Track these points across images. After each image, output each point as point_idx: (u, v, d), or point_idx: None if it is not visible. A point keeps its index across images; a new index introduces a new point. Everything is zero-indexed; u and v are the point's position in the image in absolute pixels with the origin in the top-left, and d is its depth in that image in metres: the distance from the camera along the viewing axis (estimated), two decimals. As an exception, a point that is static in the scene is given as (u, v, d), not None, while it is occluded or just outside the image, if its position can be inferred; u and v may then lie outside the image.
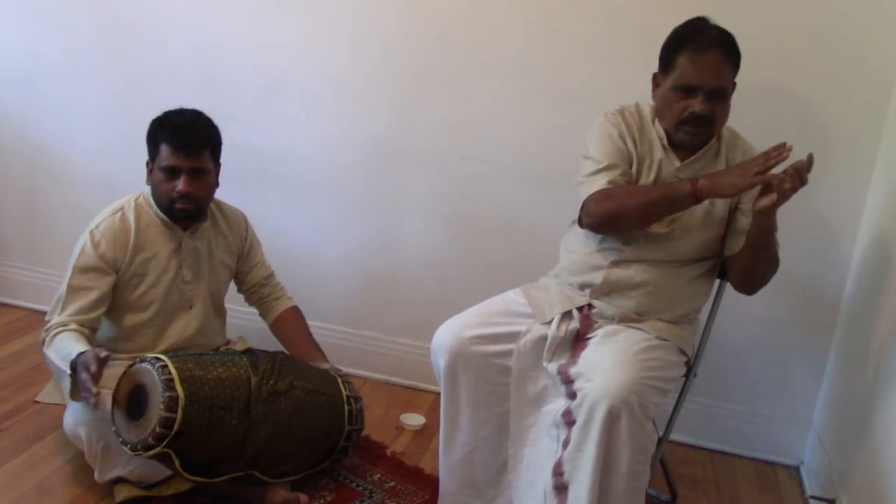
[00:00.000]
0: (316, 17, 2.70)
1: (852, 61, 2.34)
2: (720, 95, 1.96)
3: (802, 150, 2.52)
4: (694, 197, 1.89)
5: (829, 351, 2.55)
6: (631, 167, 2.05)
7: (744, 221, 2.01)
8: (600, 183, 2.00)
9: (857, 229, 2.44)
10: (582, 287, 2.09)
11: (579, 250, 2.12)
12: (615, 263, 2.04)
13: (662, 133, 2.05)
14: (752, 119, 2.34)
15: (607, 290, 2.05)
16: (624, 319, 2.03)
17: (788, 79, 2.39)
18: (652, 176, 2.04)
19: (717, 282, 2.21)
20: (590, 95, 2.49)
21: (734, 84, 2.01)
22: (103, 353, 1.96)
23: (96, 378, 1.91)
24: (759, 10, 2.36)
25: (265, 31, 2.76)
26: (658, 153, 2.05)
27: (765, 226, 1.92)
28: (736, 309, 2.43)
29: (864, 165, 2.39)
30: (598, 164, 2.03)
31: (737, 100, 2.03)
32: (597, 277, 2.06)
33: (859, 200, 2.42)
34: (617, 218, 1.98)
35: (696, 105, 1.95)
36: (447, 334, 2.04)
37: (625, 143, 2.05)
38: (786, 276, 2.49)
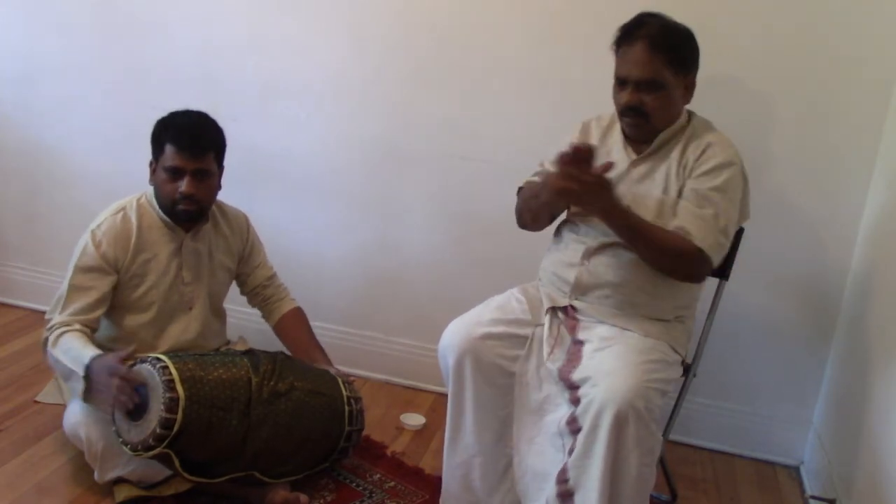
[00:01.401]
0: (316, 17, 2.70)
1: (852, 61, 2.34)
2: (650, 86, 1.97)
3: (803, 150, 2.52)
4: (545, 187, 1.95)
5: (829, 351, 2.55)
6: None
7: (679, 203, 1.99)
8: (524, 182, 2.17)
9: (857, 230, 2.43)
10: (560, 285, 2.09)
11: (553, 247, 2.18)
12: (586, 256, 2.05)
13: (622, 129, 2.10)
14: (752, 119, 2.34)
15: (583, 289, 2.05)
16: (608, 317, 2.02)
17: (788, 79, 2.39)
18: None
19: (717, 282, 2.21)
20: (590, 96, 2.48)
21: (684, 77, 1.99)
22: (125, 353, 2.02)
23: (132, 380, 1.96)
24: (759, 11, 2.35)
25: (265, 31, 2.76)
26: (618, 151, 2.08)
27: (610, 224, 1.94)
28: (736, 309, 2.42)
29: (864, 165, 2.39)
30: (537, 168, 2.18)
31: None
32: (570, 274, 2.06)
33: (859, 200, 2.41)
34: (519, 213, 2.17)
35: (625, 96, 2.00)
36: (456, 332, 2.04)
37: None
38: (786, 276, 2.50)
